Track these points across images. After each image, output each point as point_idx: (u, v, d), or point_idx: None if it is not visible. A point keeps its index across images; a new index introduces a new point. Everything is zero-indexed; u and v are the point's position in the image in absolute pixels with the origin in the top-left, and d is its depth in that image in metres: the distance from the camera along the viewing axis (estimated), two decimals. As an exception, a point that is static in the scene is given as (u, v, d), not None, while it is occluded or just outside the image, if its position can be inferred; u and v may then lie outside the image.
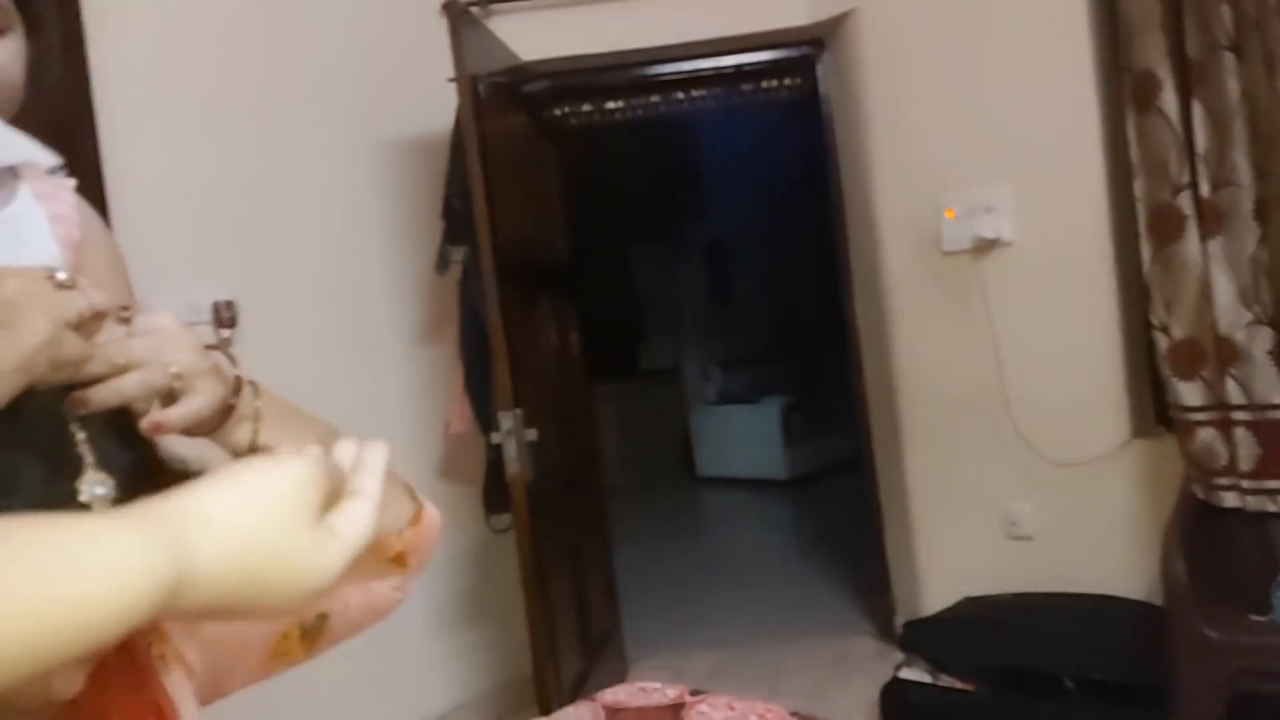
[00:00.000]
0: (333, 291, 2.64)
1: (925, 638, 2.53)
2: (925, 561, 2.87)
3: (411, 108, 2.72)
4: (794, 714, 1.46)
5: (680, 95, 2.83)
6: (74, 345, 0.63)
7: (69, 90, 2.12)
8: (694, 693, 1.59)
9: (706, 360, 6.66)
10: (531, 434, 2.32)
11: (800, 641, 3.20)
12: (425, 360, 2.85)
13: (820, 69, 2.83)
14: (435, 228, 2.68)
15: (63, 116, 2.11)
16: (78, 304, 0.64)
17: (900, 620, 2.88)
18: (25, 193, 1.06)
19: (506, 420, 2.30)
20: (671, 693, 1.62)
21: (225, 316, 2.36)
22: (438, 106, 2.63)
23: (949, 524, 2.83)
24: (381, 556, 0.89)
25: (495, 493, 2.59)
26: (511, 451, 2.30)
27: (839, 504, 4.95)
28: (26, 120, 2.28)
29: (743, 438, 6.10)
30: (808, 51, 2.82)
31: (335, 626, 0.92)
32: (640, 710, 1.59)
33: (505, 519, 2.55)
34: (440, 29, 2.67)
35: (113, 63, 2.22)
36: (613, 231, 6.07)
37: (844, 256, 2.91)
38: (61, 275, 0.66)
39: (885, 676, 2.52)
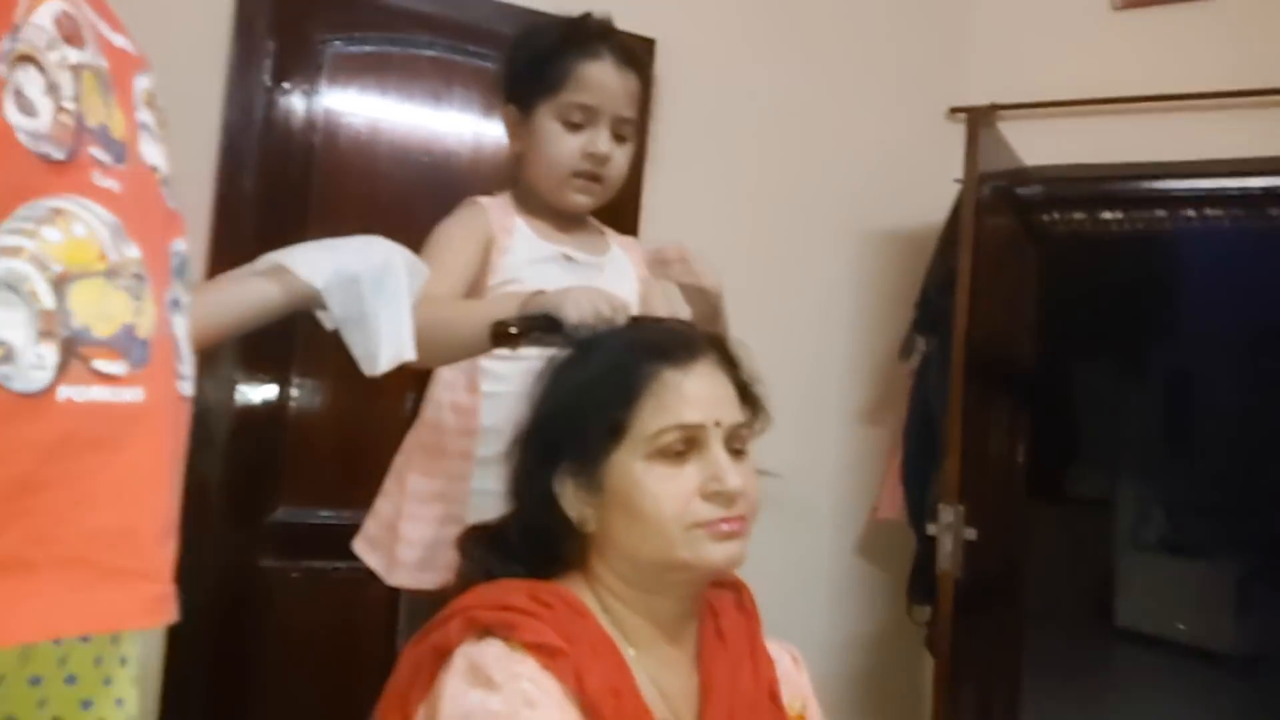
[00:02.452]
0: (795, 363, 2.81)
1: None
2: None
3: (901, 202, 2.84)
4: None
5: (1191, 213, 2.64)
6: None
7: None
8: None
9: (1148, 498, 5.97)
10: (971, 533, 2.29)
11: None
12: (863, 440, 2.92)
13: (1375, 199, 2.48)
14: (899, 316, 2.77)
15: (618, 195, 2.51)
16: None
17: None
18: (615, 242, 1.48)
19: (947, 514, 2.30)
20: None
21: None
22: (927, 202, 2.73)
23: None
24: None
25: (923, 584, 2.58)
26: (946, 546, 2.29)
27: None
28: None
29: (1182, 595, 5.35)
30: (1360, 179, 2.49)
31: None
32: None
33: (928, 612, 2.52)
34: (942, 129, 2.79)
35: (661, 148, 2.57)
36: (1076, 346, 5.71)
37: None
38: None
39: None
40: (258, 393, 2.24)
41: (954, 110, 2.71)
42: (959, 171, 2.36)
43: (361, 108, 2.22)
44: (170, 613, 0.67)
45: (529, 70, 1.35)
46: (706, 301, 1.34)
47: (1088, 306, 5.29)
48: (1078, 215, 2.75)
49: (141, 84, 0.75)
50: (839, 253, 2.86)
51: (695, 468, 0.91)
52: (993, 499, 2.68)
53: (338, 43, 2.21)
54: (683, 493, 0.89)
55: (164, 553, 0.68)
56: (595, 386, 0.95)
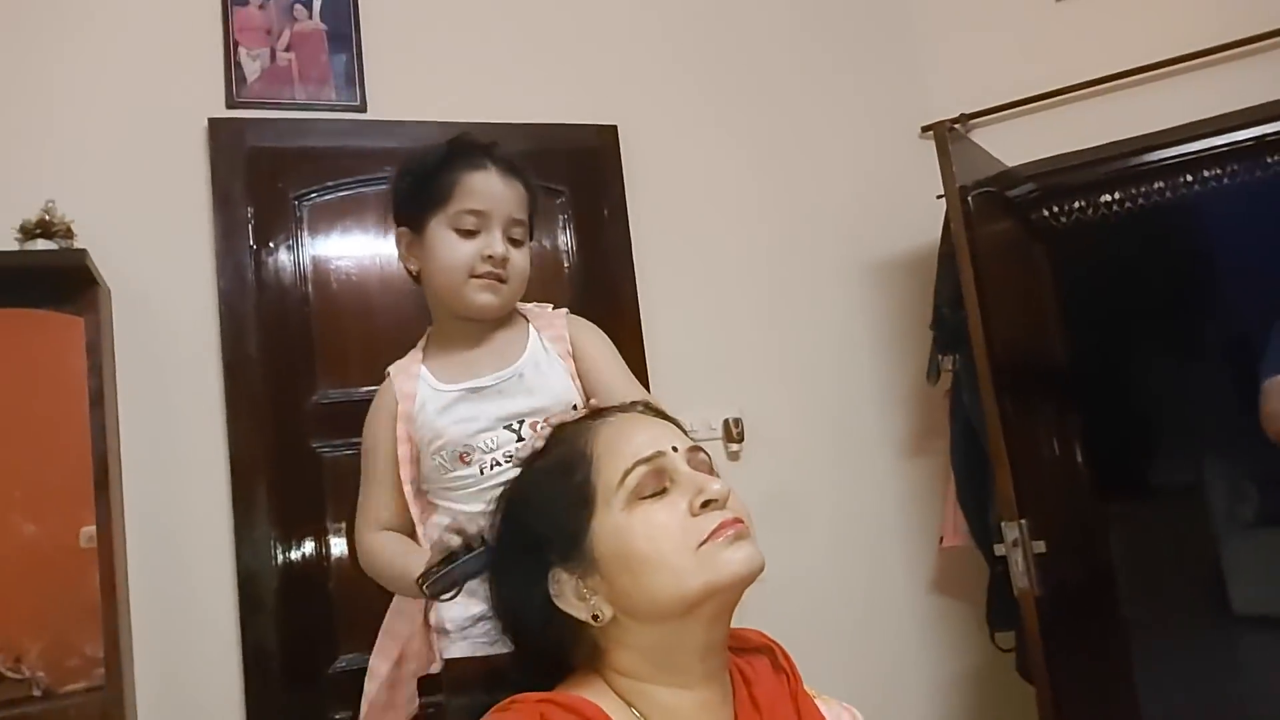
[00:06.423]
0: (825, 406, 2.77)
1: None
2: None
3: (895, 226, 2.84)
4: None
5: (1188, 178, 2.58)
6: None
7: (615, 252, 2.55)
8: None
9: (1237, 474, 5.69)
10: (1039, 545, 2.19)
11: None
12: (914, 472, 2.85)
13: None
14: (922, 340, 2.72)
15: (612, 273, 2.55)
16: None
17: None
18: (532, 330, 1.42)
19: (1011, 530, 2.21)
20: None
21: (734, 432, 2.60)
22: (921, 221, 2.71)
23: None
24: None
25: (1000, 608, 2.47)
26: (1019, 564, 2.19)
27: None
28: (581, 279, 2.72)
29: (1296, 567, 5.05)
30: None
31: None
32: None
33: (1011, 637, 2.41)
34: (918, 148, 2.79)
35: (646, 226, 2.62)
36: (1112, 333, 5.55)
37: None
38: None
39: None
40: (297, 550, 2.24)
41: (925, 129, 2.72)
42: (941, 188, 2.34)
43: (345, 249, 2.28)
44: None
45: (417, 189, 1.36)
46: None
47: (1113, 292, 5.16)
48: (1077, 204, 2.70)
49: None
50: (846, 292, 2.84)
51: (676, 494, 0.89)
52: (1059, 507, 2.58)
53: (312, 195, 2.28)
54: (675, 519, 0.87)
55: None
56: (552, 470, 0.94)
